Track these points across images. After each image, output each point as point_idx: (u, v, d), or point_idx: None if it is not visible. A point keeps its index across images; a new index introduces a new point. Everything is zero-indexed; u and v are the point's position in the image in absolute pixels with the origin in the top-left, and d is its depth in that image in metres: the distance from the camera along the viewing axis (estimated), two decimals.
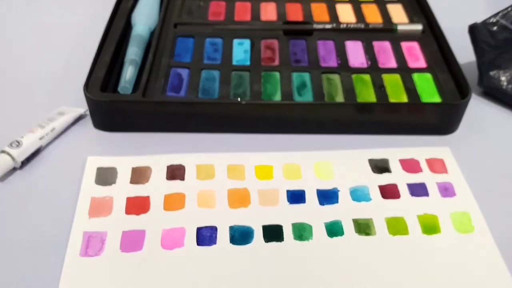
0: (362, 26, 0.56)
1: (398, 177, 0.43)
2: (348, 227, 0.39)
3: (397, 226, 0.39)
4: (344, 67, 0.51)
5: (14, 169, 0.43)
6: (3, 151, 0.42)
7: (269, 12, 0.58)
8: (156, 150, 0.44)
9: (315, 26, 0.55)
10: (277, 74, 0.50)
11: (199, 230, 0.38)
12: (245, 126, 0.47)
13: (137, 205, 0.40)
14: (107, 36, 0.52)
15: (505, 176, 0.44)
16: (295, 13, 0.58)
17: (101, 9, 0.57)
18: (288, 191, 0.41)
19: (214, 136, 0.46)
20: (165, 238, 0.38)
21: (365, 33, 0.55)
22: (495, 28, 0.51)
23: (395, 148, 0.46)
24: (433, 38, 0.55)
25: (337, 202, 0.41)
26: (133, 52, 0.50)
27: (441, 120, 0.47)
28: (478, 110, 0.50)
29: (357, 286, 0.35)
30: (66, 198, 0.40)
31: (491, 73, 0.51)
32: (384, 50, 0.53)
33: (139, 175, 0.42)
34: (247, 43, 0.53)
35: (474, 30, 0.52)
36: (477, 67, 0.52)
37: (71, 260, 0.36)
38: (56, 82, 0.52)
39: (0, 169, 0.41)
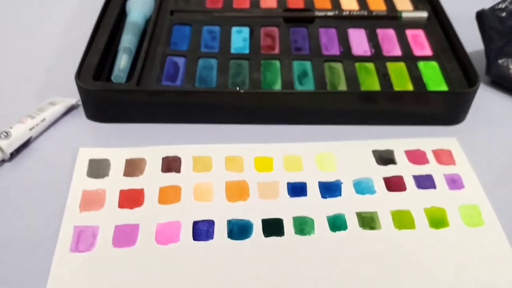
0: (365, 13, 0.54)
1: (403, 168, 0.41)
2: (352, 221, 0.37)
3: (403, 220, 0.38)
4: (347, 55, 0.49)
5: (3, 161, 0.41)
6: None
7: None
8: (151, 141, 0.43)
9: (317, 13, 0.53)
10: (277, 63, 0.48)
11: (195, 224, 0.37)
12: (244, 116, 0.45)
13: (131, 198, 0.38)
14: (101, 24, 0.50)
15: None
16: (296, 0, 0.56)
17: None
18: (288, 184, 0.40)
19: (212, 126, 0.45)
20: (160, 233, 0.36)
21: (369, 21, 0.53)
22: (504, 14, 0.49)
23: (400, 139, 0.44)
24: (438, 25, 0.53)
25: (340, 195, 0.39)
26: (128, 40, 0.48)
27: (448, 109, 0.45)
28: (486, 100, 0.49)
29: (361, 283, 0.34)
30: (56, 191, 0.39)
31: (500, 61, 0.49)
32: (388, 38, 0.51)
33: (133, 167, 0.41)
34: (246, 31, 0.51)
35: (482, 17, 0.50)
36: (485, 55, 0.50)
37: (61, 256, 0.35)
38: (48, 71, 0.51)
39: None
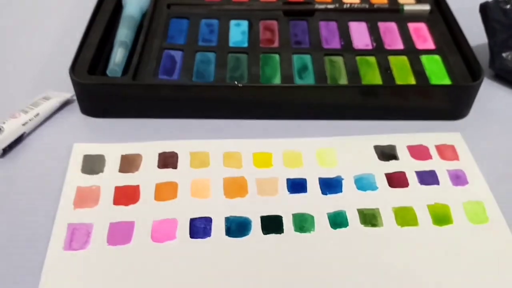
0: (367, 6, 0.53)
1: (406, 164, 0.41)
2: (353, 218, 0.37)
3: (405, 217, 0.37)
4: (347, 49, 0.48)
5: None
6: None
7: None
8: (147, 137, 0.42)
9: (317, 6, 0.52)
10: (276, 57, 0.47)
11: (192, 221, 0.36)
12: (242, 111, 0.44)
13: (126, 195, 0.38)
14: (96, 17, 0.49)
15: None
16: None
17: None
18: (288, 180, 0.39)
19: (209, 121, 0.44)
20: (156, 230, 0.35)
21: (370, 14, 0.52)
22: (508, 6, 0.48)
23: (402, 134, 0.43)
24: (441, 18, 0.52)
25: (340, 191, 0.38)
26: (124, 34, 0.47)
27: (451, 104, 0.44)
28: (490, 94, 0.48)
29: (363, 281, 0.33)
30: (50, 188, 0.38)
31: (504, 54, 0.48)
32: (390, 31, 0.51)
33: (129, 163, 0.40)
34: (244, 24, 0.50)
35: (486, 9, 0.49)
36: (489, 49, 0.50)
37: (54, 254, 0.34)
38: (42, 65, 0.50)
39: None
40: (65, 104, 0.45)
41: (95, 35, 0.47)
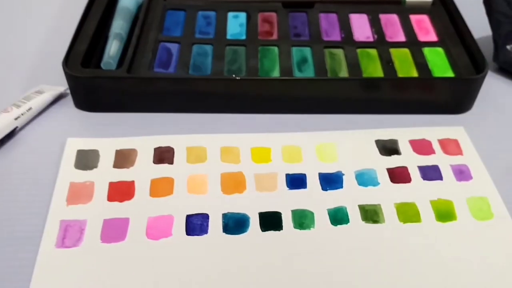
0: None
1: (408, 159, 0.40)
2: (354, 214, 0.36)
3: (408, 213, 0.36)
4: (348, 41, 0.47)
5: None
6: None
7: None
8: (142, 131, 0.41)
9: None
10: (275, 49, 0.46)
11: (188, 218, 0.35)
12: (240, 105, 0.43)
13: (121, 191, 0.37)
14: (91, 8, 0.48)
15: None
16: None
17: None
18: (287, 175, 0.38)
19: (206, 116, 0.43)
20: (151, 227, 0.34)
21: (371, 5, 0.51)
22: None
23: (404, 128, 0.42)
24: (444, 10, 0.51)
25: (341, 187, 0.37)
26: (119, 25, 0.46)
27: (454, 97, 0.43)
28: (494, 87, 0.47)
29: (364, 279, 0.32)
30: (43, 184, 0.37)
31: (508, 47, 0.47)
32: (391, 24, 0.49)
33: (124, 158, 0.39)
34: (242, 16, 0.49)
35: (490, 1, 0.48)
36: (493, 41, 0.48)
37: (46, 251, 0.33)
38: (35, 58, 0.49)
39: None
40: (59, 98, 0.44)
41: (90, 27, 0.46)
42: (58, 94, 0.44)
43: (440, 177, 0.38)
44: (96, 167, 0.38)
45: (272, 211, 0.36)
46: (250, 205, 0.36)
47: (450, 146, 0.41)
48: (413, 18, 0.50)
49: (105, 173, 0.38)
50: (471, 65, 0.44)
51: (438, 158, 0.40)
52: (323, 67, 0.44)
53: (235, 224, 0.35)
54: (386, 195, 0.37)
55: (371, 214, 0.36)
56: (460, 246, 0.34)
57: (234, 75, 0.43)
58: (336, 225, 0.35)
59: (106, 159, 0.39)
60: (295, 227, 0.35)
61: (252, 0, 0.51)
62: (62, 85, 0.44)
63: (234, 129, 0.42)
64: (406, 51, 0.46)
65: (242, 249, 0.33)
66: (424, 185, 0.38)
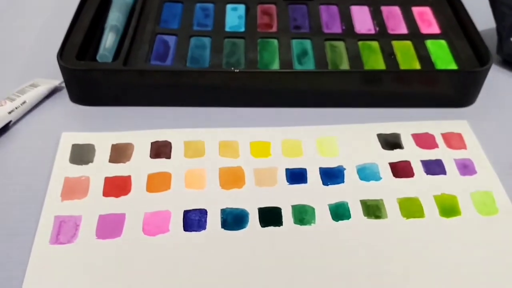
0: None
1: (411, 153, 0.39)
2: (356, 210, 0.35)
3: (411, 208, 0.35)
4: (349, 34, 0.46)
5: None
6: None
7: None
8: (138, 125, 0.40)
9: None
10: (275, 42, 0.45)
11: (186, 213, 0.34)
12: (239, 98, 0.42)
13: (117, 186, 0.36)
14: (87, 0, 0.47)
15: None
16: None
17: None
18: (287, 170, 0.37)
19: (204, 109, 0.42)
20: (148, 223, 0.34)
21: None
22: None
23: (407, 122, 0.41)
24: (446, 2, 0.50)
25: (342, 181, 0.37)
26: (115, 17, 0.45)
27: (458, 90, 0.42)
28: (498, 81, 0.46)
29: (366, 275, 0.31)
30: (37, 179, 0.36)
31: None
32: (393, 16, 0.49)
33: (120, 153, 0.38)
34: (241, 8, 0.49)
35: None
36: (497, 33, 0.48)
37: (40, 248, 0.32)
38: (29, 50, 0.48)
39: None
40: (54, 91, 0.43)
41: (85, 19, 0.45)
42: (53, 87, 0.43)
43: (443, 172, 0.37)
44: (91, 161, 0.37)
45: (272, 207, 0.35)
46: (249, 200, 0.35)
47: (454, 140, 0.40)
48: (415, 10, 0.49)
49: (100, 168, 0.37)
50: (474, 58, 0.44)
51: (442, 152, 0.39)
52: (323, 60, 0.43)
53: (234, 219, 0.34)
54: (389, 190, 0.36)
55: (373, 210, 0.35)
56: (465, 242, 0.33)
57: (233, 68, 0.42)
58: (337, 221, 0.34)
59: (102, 153, 0.38)
60: (295, 222, 0.34)
61: None
62: (57, 78, 0.43)
63: (232, 123, 0.41)
64: (408, 43, 0.45)
65: (241, 246, 0.33)
66: (427, 179, 0.37)
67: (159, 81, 0.41)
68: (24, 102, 0.41)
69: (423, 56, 0.44)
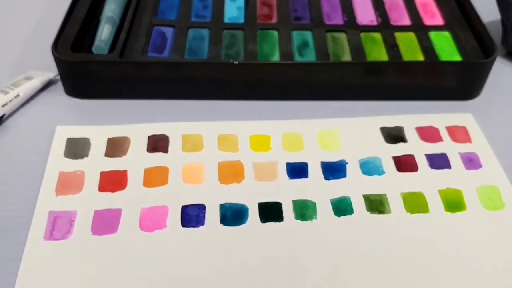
0: None
1: (415, 147, 0.38)
2: (358, 204, 0.34)
3: (415, 203, 0.34)
4: (351, 25, 0.45)
5: None
6: None
7: None
8: (135, 119, 0.39)
9: None
10: (275, 33, 0.44)
11: (184, 209, 0.33)
12: (238, 91, 0.41)
13: (113, 181, 0.35)
14: None
15: None
16: None
17: None
18: (288, 164, 0.37)
19: (203, 102, 0.41)
20: (144, 219, 0.33)
21: None
22: None
23: (410, 115, 0.40)
24: None
25: (345, 176, 0.36)
26: (111, 9, 0.44)
27: (462, 82, 0.41)
28: (503, 73, 0.45)
29: (369, 272, 0.30)
30: (31, 174, 0.36)
31: None
32: (396, 7, 0.48)
33: (116, 147, 0.37)
34: None
35: None
36: (501, 25, 0.47)
37: (33, 244, 0.31)
38: (24, 42, 0.47)
39: None
40: (48, 84, 0.43)
41: (81, 10, 0.44)
42: (48, 80, 0.42)
43: (448, 166, 0.37)
44: (87, 156, 0.36)
45: (272, 202, 0.34)
46: (249, 195, 0.34)
47: (459, 134, 0.39)
48: (418, 1, 0.48)
49: (96, 162, 0.36)
50: (479, 50, 0.43)
51: (446, 146, 0.38)
52: (325, 52, 0.42)
53: (233, 215, 0.33)
54: (392, 184, 0.35)
55: (376, 204, 0.34)
56: (470, 237, 0.32)
57: (232, 60, 0.41)
58: (339, 216, 0.33)
59: (98, 147, 0.37)
60: (296, 218, 0.33)
61: None
62: (52, 71, 0.42)
63: (232, 116, 0.40)
64: (411, 35, 0.44)
65: (240, 242, 0.32)
66: (431, 173, 0.36)
67: (156, 73, 0.40)
68: (18, 95, 0.40)
69: (427, 47, 0.43)
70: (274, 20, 0.45)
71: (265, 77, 0.40)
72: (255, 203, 0.34)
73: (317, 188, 0.35)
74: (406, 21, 0.46)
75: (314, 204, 0.34)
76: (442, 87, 0.42)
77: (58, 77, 0.42)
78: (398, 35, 0.44)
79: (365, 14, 0.46)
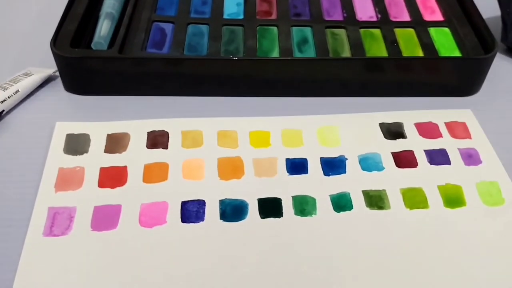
0: None
1: (414, 143, 0.38)
2: (358, 200, 0.34)
3: (414, 199, 0.34)
4: (350, 21, 0.45)
5: None
6: None
7: None
8: (135, 115, 0.39)
9: None
10: (274, 29, 0.44)
11: (184, 204, 0.33)
12: (238, 87, 0.41)
13: (112, 177, 0.35)
14: None
15: None
16: None
17: None
18: (287, 160, 0.36)
19: (202, 98, 0.41)
20: (144, 214, 0.33)
21: None
22: None
23: (410, 111, 0.40)
24: None
25: (344, 172, 0.36)
26: (110, 4, 0.44)
27: (462, 78, 0.41)
28: (502, 69, 0.45)
29: (369, 267, 0.30)
30: (30, 170, 0.35)
31: None
32: (395, 3, 0.48)
33: (116, 143, 0.37)
34: None
35: None
36: (501, 21, 0.46)
37: (33, 240, 0.31)
38: (23, 38, 0.47)
39: None
40: (48, 80, 0.42)
41: (80, 5, 0.44)
42: (47, 76, 0.42)
43: (448, 161, 0.37)
44: (86, 152, 0.36)
45: (272, 197, 0.34)
46: (249, 191, 0.34)
47: (458, 129, 0.39)
48: None
49: (96, 158, 0.36)
50: (479, 46, 0.43)
51: (446, 142, 0.38)
52: (324, 48, 0.42)
53: (233, 211, 0.33)
54: (392, 180, 0.35)
55: (376, 200, 0.34)
56: (470, 233, 0.32)
57: (231, 56, 0.41)
58: (339, 212, 0.33)
59: (97, 143, 0.37)
60: (296, 214, 0.33)
61: None
62: (51, 67, 0.42)
63: (231, 112, 0.40)
64: (411, 31, 0.44)
65: (240, 237, 0.32)
66: (431, 169, 0.36)
67: (155, 69, 0.40)
68: (17, 91, 0.40)
69: (426, 43, 0.43)
70: (274, 16, 0.45)
71: (265, 73, 0.40)
72: (255, 199, 0.34)
73: (316, 184, 0.35)
74: (405, 17, 0.46)
75: (314, 200, 0.34)
76: (441, 83, 0.41)
77: (57, 73, 0.42)
78: (398, 31, 0.44)
79: (364, 10, 0.46)
